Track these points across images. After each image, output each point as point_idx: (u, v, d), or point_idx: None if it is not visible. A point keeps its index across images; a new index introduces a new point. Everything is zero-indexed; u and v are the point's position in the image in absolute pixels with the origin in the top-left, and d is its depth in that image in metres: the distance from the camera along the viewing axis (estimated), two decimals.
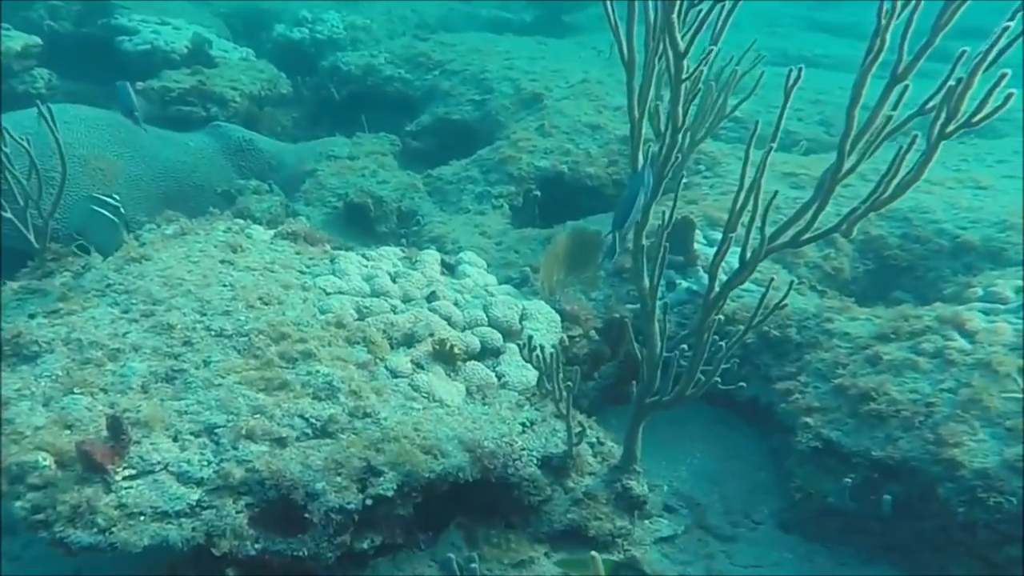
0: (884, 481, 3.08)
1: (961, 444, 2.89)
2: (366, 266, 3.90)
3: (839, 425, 3.31)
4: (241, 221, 4.14)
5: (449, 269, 4.10)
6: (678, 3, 2.45)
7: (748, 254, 2.70)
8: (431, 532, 3.07)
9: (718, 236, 4.50)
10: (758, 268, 4.23)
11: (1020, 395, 2.98)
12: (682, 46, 2.54)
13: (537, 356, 3.06)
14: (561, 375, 3.02)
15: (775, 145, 2.51)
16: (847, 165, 2.41)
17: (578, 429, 3.09)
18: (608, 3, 2.63)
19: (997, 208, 4.93)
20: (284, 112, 8.50)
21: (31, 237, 3.62)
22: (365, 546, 2.80)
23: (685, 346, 2.97)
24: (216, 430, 2.83)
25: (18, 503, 2.46)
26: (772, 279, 3.00)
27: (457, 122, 7.69)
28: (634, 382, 3.12)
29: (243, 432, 2.81)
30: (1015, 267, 4.10)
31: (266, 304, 3.40)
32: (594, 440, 3.27)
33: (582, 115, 6.71)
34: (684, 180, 5.65)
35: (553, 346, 3.67)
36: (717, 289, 2.82)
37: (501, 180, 6.09)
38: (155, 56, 7.90)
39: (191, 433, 2.81)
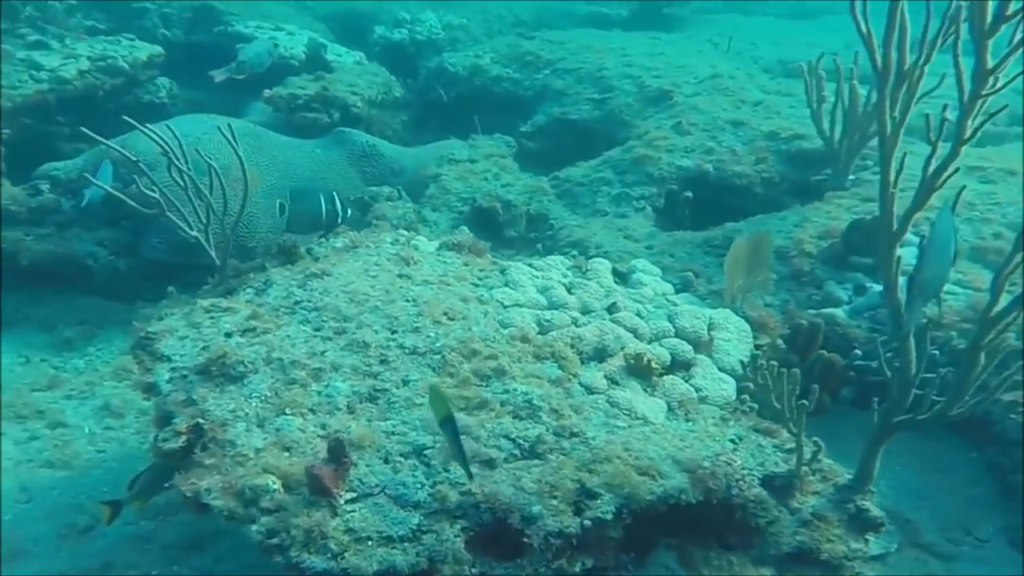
0: None
1: None
2: (537, 276, 3.86)
3: None
4: (406, 232, 4.17)
5: (621, 278, 4.03)
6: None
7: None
8: (634, 553, 3.00)
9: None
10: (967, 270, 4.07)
11: None
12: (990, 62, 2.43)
13: (764, 374, 2.95)
14: (796, 393, 2.90)
15: None
16: None
17: (813, 449, 2.97)
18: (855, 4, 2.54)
19: None
20: (393, 115, 8.59)
21: (212, 253, 3.71)
22: (577, 570, 2.75)
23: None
24: (425, 451, 2.83)
25: (254, 527, 2.51)
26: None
27: (575, 122, 7.63)
28: (876, 400, 2.98)
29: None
30: None
31: (451, 320, 3.40)
32: (808, 456, 3.14)
33: (720, 112, 6.55)
34: (852, 178, 5.48)
35: (749, 357, 3.56)
36: (1003, 304, 2.63)
37: (640, 181, 6.00)
38: (274, 65, 8.10)
39: (401, 455, 2.82)
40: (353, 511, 2.61)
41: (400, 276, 3.67)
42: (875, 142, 5.55)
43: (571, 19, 12.68)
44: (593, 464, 2.79)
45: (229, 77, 6.37)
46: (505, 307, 3.61)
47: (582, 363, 3.33)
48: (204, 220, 3.69)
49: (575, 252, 5.04)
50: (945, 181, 2.79)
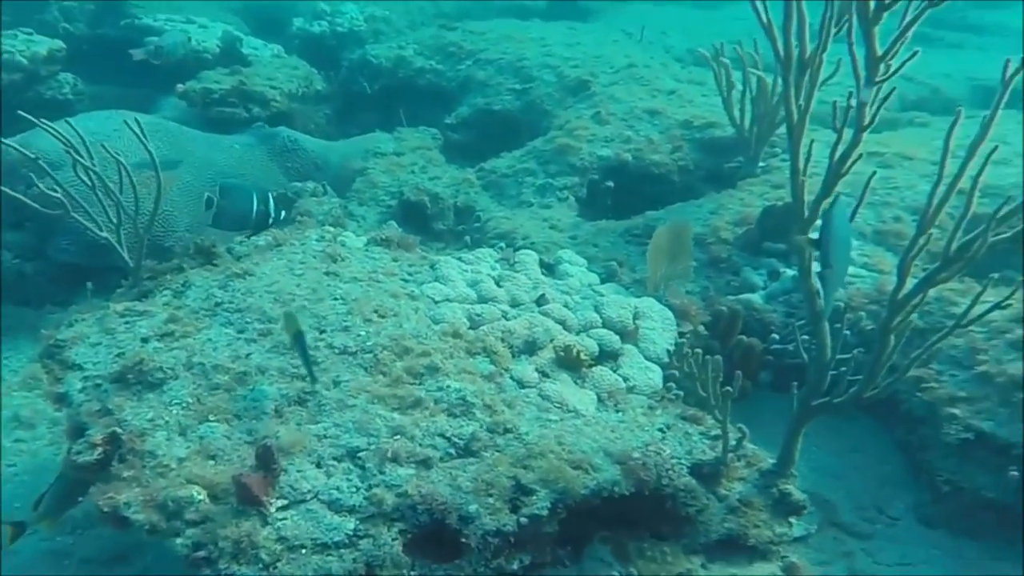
0: None
1: None
2: (466, 270, 3.79)
3: (990, 415, 3.22)
4: (332, 228, 4.03)
5: (549, 269, 4.00)
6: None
7: (951, 248, 2.55)
8: (571, 547, 2.98)
9: None
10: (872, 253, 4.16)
11: None
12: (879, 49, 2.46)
13: (690, 362, 2.96)
14: (720, 380, 2.92)
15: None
16: None
17: (738, 435, 3.00)
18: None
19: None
20: (315, 109, 8.33)
21: (125, 254, 3.50)
22: (515, 567, 2.71)
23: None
24: (359, 454, 2.73)
25: (179, 540, 2.37)
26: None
27: (499, 112, 7.56)
28: (795, 384, 3.02)
29: (388, 455, 2.71)
30: None
31: (382, 317, 3.30)
32: (733, 443, 3.18)
33: (637, 101, 6.58)
34: (763, 165, 5.59)
35: (674, 345, 3.58)
36: (910, 287, 2.69)
37: (563, 171, 5.98)
38: (187, 56, 7.73)
39: (334, 458, 2.72)
40: (285, 519, 2.50)
41: (327, 274, 3.54)
42: (783, 129, 5.74)
43: (491, 9, 12.57)
44: (528, 460, 2.75)
45: (147, 59, 6.07)
46: (436, 302, 3.53)
47: (513, 357, 3.29)
48: (115, 220, 3.47)
49: (503, 244, 5.01)
50: (851, 167, 2.81)
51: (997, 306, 2.60)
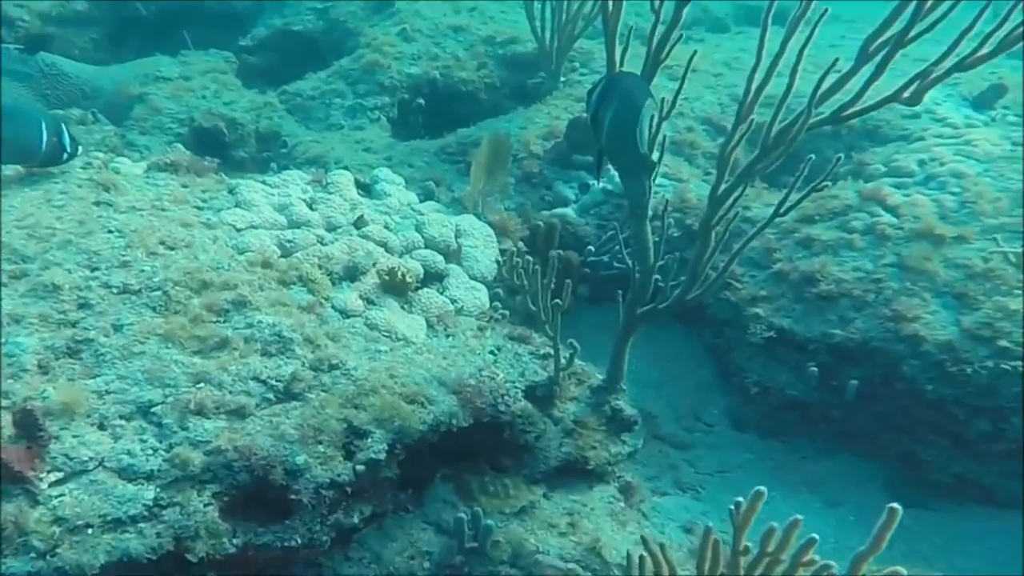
0: (842, 365, 3.08)
1: (919, 318, 2.93)
2: (273, 194, 3.25)
3: (787, 312, 3.26)
4: (101, 155, 3.28)
5: (365, 190, 3.54)
6: None
7: (770, 136, 2.39)
8: (413, 490, 2.66)
9: None
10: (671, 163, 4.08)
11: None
12: None
13: (519, 274, 2.69)
14: (550, 290, 2.67)
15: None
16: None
17: (569, 351, 2.79)
18: None
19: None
20: (78, 32, 7.02)
21: None
22: (355, 520, 2.35)
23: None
24: (153, 409, 2.22)
25: None
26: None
27: (299, 33, 6.77)
28: (620, 292, 2.83)
29: (189, 407, 2.22)
30: (894, 143, 4.22)
31: (171, 249, 2.71)
32: (564, 362, 2.99)
33: (441, 17, 6.11)
34: (564, 79, 5.38)
35: (497, 261, 3.31)
36: (730, 181, 2.51)
37: (372, 91, 5.44)
38: None
39: (121, 416, 2.18)
40: (62, 495, 1.96)
41: (98, 204, 2.86)
42: (581, 44, 5.55)
43: None
44: (359, 398, 2.38)
45: None
46: (238, 230, 2.98)
47: (333, 284, 2.86)
48: None
49: (314, 169, 4.45)
50: (669, 52, 2.55)
51: (803, 198, 2.49)
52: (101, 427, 2.15)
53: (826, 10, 2.25)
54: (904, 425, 3.03)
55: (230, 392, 2.31)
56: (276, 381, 2.38)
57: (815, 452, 3.27)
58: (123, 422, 2.17)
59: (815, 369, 3.11)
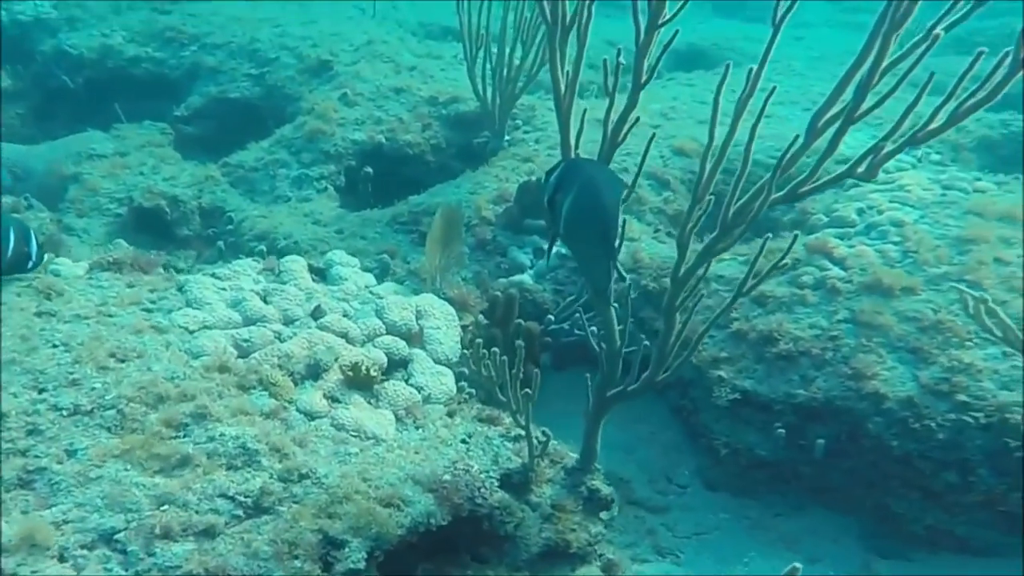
0: (808, 424, 3.12)
1: (877, 375, 3.00)
2: (224, 288, 3.16)
3: (749, 373, 3.30)
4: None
5: (320, 275, 3.48)
6: None
7: (729, 214, 2.41)
8: None
9: None
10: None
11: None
12: None
13: (485, 366, 2.65)
14: (518, 383, 2.64)
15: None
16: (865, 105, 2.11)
17: (543, 439, 2.76)
18: None
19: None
20: (4, 108, 6.82)
21: None
22: None
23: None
24: (116, 536, 2.10)
25: None
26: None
27: (236, 100, 6.69)
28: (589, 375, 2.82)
29: (155, 531, 2.12)
30: (832, 190, 4.34)
31: (122, 361, 2.60)
32: (539, 449, 2.95)
33: (382, 79, 6.11)
34: (508, 138, 5.42)
35: (459, 341, 3.28)
36: (692, 261, 2.51)
37: (317, 160, 5.38)
38: None
39: (82, 546, 2.07)
40: None
41: (40, 315, 2.73)
42: (523, 100, 5.61)
43: None
44: (332, 506, 2.30)
45: None
46: (191, 332, 2.88)
47: (296, 385, 2.78)
48: None
49: (263, 246, 4.36)
50: (627, 133, 2.51)
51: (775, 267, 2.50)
52: (62, 559, 2.03)
53: (773, 87, 2.30)
54: (874, 479, 3.08)
55: (196, 512, 2.21)
56: (244, 496, 2.28)
57: (789, 508, 3.29)
58: (85, 551, 2.06)
59: (782, 431, 3.15)
